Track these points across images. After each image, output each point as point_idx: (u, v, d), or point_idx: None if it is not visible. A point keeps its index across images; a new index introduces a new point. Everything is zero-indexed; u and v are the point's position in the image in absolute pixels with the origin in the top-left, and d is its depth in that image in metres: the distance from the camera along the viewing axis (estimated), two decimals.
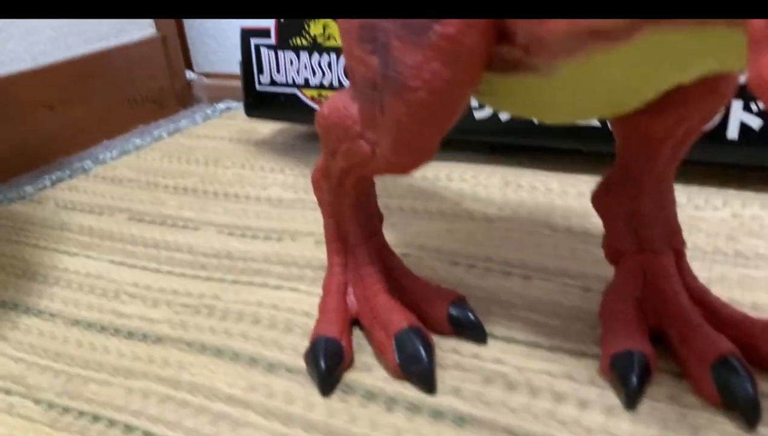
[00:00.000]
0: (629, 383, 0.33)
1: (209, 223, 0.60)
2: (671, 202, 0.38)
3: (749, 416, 0.31)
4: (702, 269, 0.45)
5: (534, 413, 0.34)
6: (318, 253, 0.52)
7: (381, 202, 0.58)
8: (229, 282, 0.49)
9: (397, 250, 0.51)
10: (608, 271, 0.41)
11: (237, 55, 1.00)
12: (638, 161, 0.37)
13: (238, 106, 0.97)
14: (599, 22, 0.24)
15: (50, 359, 0.42)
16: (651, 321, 0.37)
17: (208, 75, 1.04)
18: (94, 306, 0.48)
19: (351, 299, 0.41)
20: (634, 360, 0.34)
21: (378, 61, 0.30)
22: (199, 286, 0.49)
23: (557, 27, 0.25)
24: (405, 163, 0.33)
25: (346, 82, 0.70)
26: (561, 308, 0.42)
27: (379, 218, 0.42)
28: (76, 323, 0.46)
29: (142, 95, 0.94)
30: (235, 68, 1.02)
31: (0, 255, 0.57)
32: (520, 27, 0.27)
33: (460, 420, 0.34)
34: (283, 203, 0.63)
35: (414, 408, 0.35)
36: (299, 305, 0.45)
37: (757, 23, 0.19)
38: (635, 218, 0.38)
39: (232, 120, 0.91)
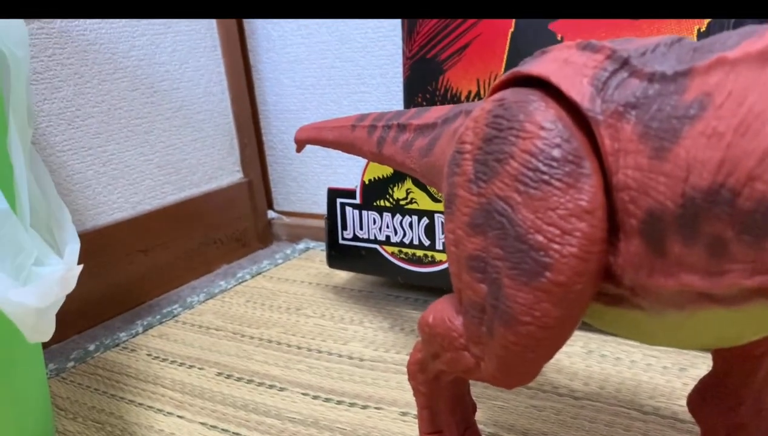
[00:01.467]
0: None
1: (295, 383, 0.62)
2: None
3: None
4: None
5: None
6: (405, 428, 0.53)
7: None
8: None
9: (486, 429, 0.51)
10: None
11: (316, 196, 1.06)
12: (737, 376, 0.37)
13: (317, 246, 1.01)
14: (710, 288, 0.26)
15: None
16: None
17: (288, 214, 1.10)
18: None
19: None
20: None
21: (488, 291, 0.32)
22: None
23: (666, 284, 0.27)
24: (510, 383, 0.34)
25: (425, 241, 0.72)
26: None
27: (473, 409, 0.43)
28: None
29: (228, 235, 1.00)
30: (313, 208, 1.07)
31: (99, 411, 0.60)
32: (627, 274, 0.29)
33: None
34: (364, 363, 0.64)
35: None
36: None
37: None
38: (735, 430, 0.38)
39: (311, 261, 0.95)
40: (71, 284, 0.41)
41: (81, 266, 0.43)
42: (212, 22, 0.96)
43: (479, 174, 0.33)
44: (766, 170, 0.23)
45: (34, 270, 0.42)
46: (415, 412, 0.55)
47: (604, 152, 0.29)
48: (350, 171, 1.00)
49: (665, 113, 0.27)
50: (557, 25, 0.73)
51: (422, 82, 0.87)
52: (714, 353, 0.38)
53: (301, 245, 1.02)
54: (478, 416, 0.53)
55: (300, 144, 0.63)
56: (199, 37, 0.94)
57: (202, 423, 0.57)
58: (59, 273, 0.40)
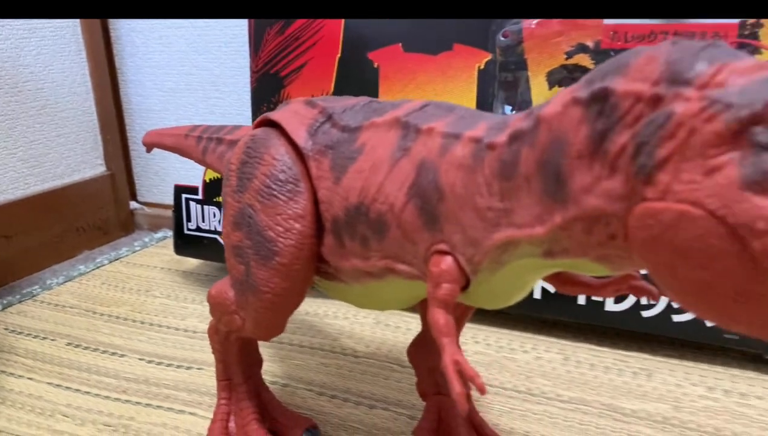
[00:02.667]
0: None
1: (134, 350, 0.74)
2: None
3: None
4: (501, 403, 0.61)
5: None
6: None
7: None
8: (143, 405, 0.63)
9: (279, 381, 0.65)
10: None
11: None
12: (426, 329, 0.53)
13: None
14: (366, 267, 0.41)
15: None
16: None
17: (150, 205, 1.20)
18: (33, 424, 0.60)
19: (231, 425, 0.55)
20: None
21: (244, 270, 0.46)
22: (120, 407, 0.62)
23: (347, 265, 0.42)
24: (264, 336, 0.48)
25: None
26: (390, 432, 0.57)
27: (259, 363, 0.57)
28: None
29: (90, 224, 1.09)
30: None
31: None
32: (329, 258, 0.44)
33: None
34: (197, 334, 0.77)
35: None
36: (195, 427, 0.59)
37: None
38: (434, 370, 0.54)
39: (167, 249, 1.06)
40: None
41: None
42: (77, 28, 1.05)
43: (238, 187, 0.47)
44: (380, 195, 0.38)
45: None
46: None
47: (312, 177, 0.44)
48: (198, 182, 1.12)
49: (344, 154, 0.42)
50: (375, 55, 0.88)
51: (267, 94, 0.99)
52: (420, 313, 0.54)
53: (160, 234, 1.13)
54: (276, 370, 0.67)
55: (147, 146, 0.75)
56: (63, 42, 1.03)
57: (48, 383, 0.67)
58: None
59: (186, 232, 0.91)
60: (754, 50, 0.68)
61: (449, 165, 0.35)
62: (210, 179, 0.88)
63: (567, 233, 0.29)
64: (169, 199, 1.18)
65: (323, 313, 0.81)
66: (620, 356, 0.69)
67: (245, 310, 0.48)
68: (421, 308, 0.53)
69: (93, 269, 0.99)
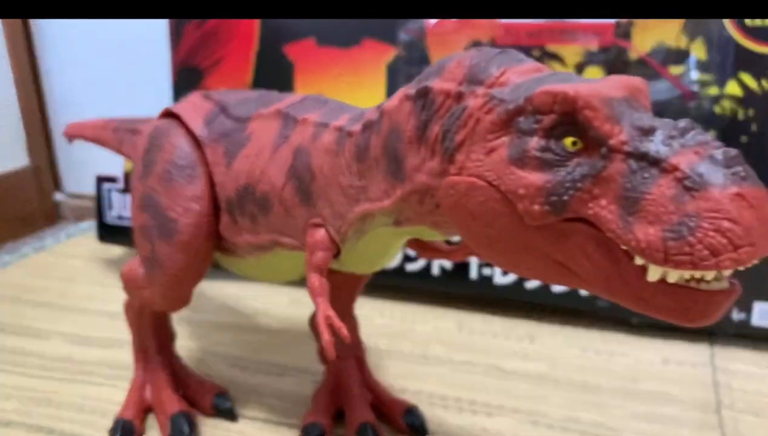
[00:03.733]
0: None
1: (59, 333, 0.77)
2: (354, 326, 0.60)
3: None
4: (400, 367, 0.68)
5: None
6: None
7: (193, 317, 0.78)
8: (66, 381, 0.67)
9: (195, 355, 0.70)
10: None
11: None
12: (333, 300, 0.59)
13: None
14: (254, 242, 0.47)
15: None
16: (337, 404, 0.58)
17: (75, 196, 1.22)
18: None
19: (147, 393, 0.59)
20: (317, 429, 0.55)
21: (150, 248, 0.51)
22: (43, 384, 0.66)
23: (240, 241, 0.48)
24: (170, 307, 0.54)
25: None
26: (298, 395, 0.63)
27: (171, 337, 0.62)
28: None
29: (14, 215, 1.10)
30: None
31: None
32: (225, 235, 0.49)
33: None
34: (119, 317, 0.81)
35: None
36: (114, 397, 0.63)
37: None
38: None
39: (91, 238, 1.09)
40: None
41: None
42: None
43: (143, 173, 0.52)
44: (264, 177, 0.44)
45: None
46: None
47: (208, 162, 0.49)
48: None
49: (235, 141, 0.47)
50: (290, 48, 0.93)
51: (187, 86, 1.03)
52: None
53: (84, 224, 1.16)
54: (194, 345, 0.72)
55: (69, 137, 0.79)
56: None
57: None
58: None
59: (108, 220, 0.94)
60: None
61: (319, 150, 0.41)
62: (131, 169, 0.91)
63: (406, 204, 0.36)
64: (93, 190, 1.21)
65: (242, 295, 0.86)
66: (508, 323, 0.77)
67: (153, 284, 0.53)
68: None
69: (18, 259, 1.01)
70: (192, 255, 0.49)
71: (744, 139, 0.79)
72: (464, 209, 0.32)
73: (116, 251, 1.03)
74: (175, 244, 0.49)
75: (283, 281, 0.56)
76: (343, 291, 0.58)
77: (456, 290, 0.80)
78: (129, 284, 0.56)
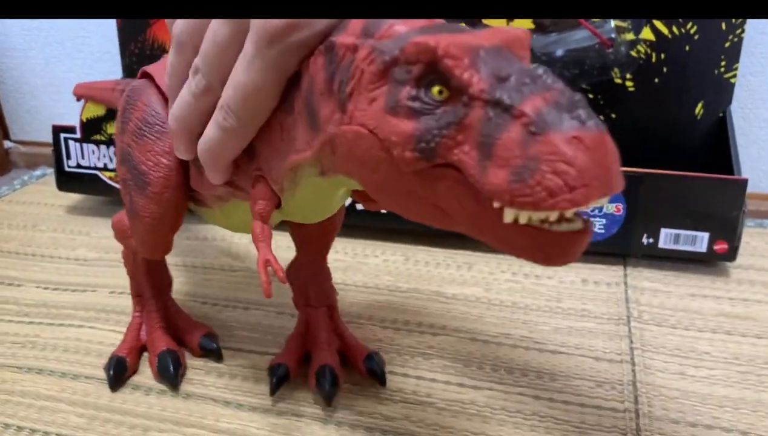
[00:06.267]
0: (271, 380, 0.58)
1: (30, 280, 0.82)
2: (325, 276, 0.62)
3: (327, 399, 0.57)
4: (352, 297, 0.75)
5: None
6: (111, 301, 0.76)
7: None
8: (46, 324, 0.72)
9: (191, 301, 0.76)
10: None
11: (50, 125, 1.21)
12: (300, 251, 0.63)
13: (53, 173, 1.17)
14: (218, 193, 0.52)
15: None
16: (306, 348, 0.61)
17: (24, 143, 1.23)
18: None
19: (142, 333, 0.65)
20: (282, 369, 0.58)
21: (129, 199, 0.55)
22: (24, 328, 0.72)
23: (205, 193, 0.52)
24: (150, 254, 0.58)
25: None
26: (264, 326, 0.71)
27: (168, 281, 0.67)
28: None
29: None
30: (48, 138, 1.22)
31: None
32: (196, 186, 0.53)
33: (187, 396, 0.60)
34: (88, 262, 0.86)
35: (165, 392, 0.61)
36: (95, 338, 0.69)
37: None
38: (306, 285, 0.62)
39: (48, 186, 1.11)
40: None
41: None
42: None
43: (121, 129, 0.56)
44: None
45: None
46: (120, 289, 0.79)
47: None
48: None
49: None
50: None
51: (133, 33, 1.05)
52: (291, 235, 0.63)
53: (38, 172, 1.18)
54: (189, 290, 0.78)
55: (78, 97, 0.81)
56: None
57: None
58: None
59: (67, 169, 0.97)
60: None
61: None
62: (87, 119, 0.94)
63: (323, 154, 0.38)
64: (45, 137, 1.22)
65: (203, 236, 0.92)
66: (449, 254, 0.86)
67: (135, 233, 0.58)
68: (291, 231, 0.62)
69: None
70: (164, 205, 0.54)
71: (657, 80, 0.87)
72: (354, 157, 0.34)
73: (74, 197, 1.06)
74: (148, 195, 0.53)
75: (249, 232, 0.61)
76: (313, 244, 0.62)
77: (403, 226, 0.87)
78: (118, 233, 0.61)
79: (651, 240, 0.80)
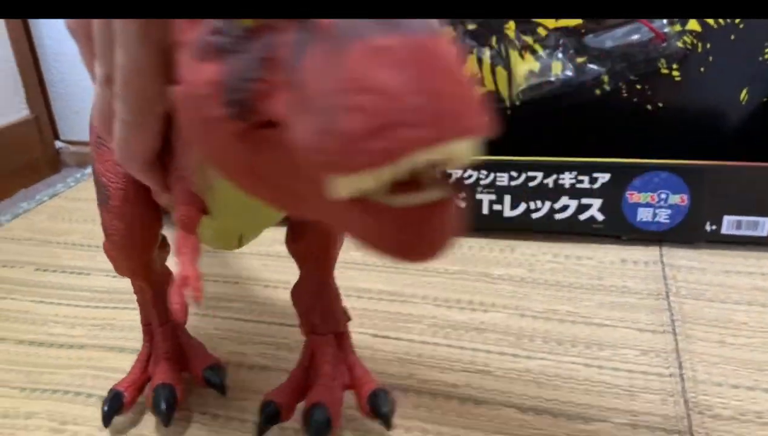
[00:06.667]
0: (259, 419, 0.51)
1: (98, 269, 0.87)
2: (332, 298, 0.53)
3: (318, 432, 0.48)
4: (405, 280, 0.80)
5: None
6: None
7: None
8: (120, 309, 0.77)
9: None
10: None
11: None
12: (301, 270, 0.54)
13: None
14: (168, 202, 0.42)
15: (6, 363, 0.69)
16: (310, 381, 0.53)
17: (74, 143, 1.29)
18: (30, 331, 0.74)
19: (150, 365, 0.58)
20: (271, 407, 0.51)
21: (102, 216, 0.50)
22: (101, 312, 0.77)
23: (163, 203, 0.45)
24: (124, 273, 0.54)
25: None
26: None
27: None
28: (20, 342, 0.72)
29: (22, 164, 1.17)
30: None
31: None
32: (158, 200, 0.44)
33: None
34: None
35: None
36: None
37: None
38: (310, 311, 0.54)
39: None
40: None
41: None
42: None
43: (90, 141, 0.50)
44: None
45: None
46: None
47: None
48: None
49: None
50: None
51: None
52: (294, 257, 0.54)
53: (89, 169, 1.23)
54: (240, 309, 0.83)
55: None
56: None
57: (31, 301, 0.80)
58: None
59: None
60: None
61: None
62: None
63: None
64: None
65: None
66: (490, 241, 0.90)
67: (107, 254, 0.52)
68: (287, 246, 0.54)
69: (35, 206, 1.09)
70: (125, 220, 0.47)
71: (702, 69, 0.91)
72: (185, 130, 0.27)
73: None
74: (110, 210, 0.47)
75: (225, 247, 0.50)
76: (312, 259, 0.53)
77: None
78: (109, 258, 0.54)
79: (714, 227, 0.84)
